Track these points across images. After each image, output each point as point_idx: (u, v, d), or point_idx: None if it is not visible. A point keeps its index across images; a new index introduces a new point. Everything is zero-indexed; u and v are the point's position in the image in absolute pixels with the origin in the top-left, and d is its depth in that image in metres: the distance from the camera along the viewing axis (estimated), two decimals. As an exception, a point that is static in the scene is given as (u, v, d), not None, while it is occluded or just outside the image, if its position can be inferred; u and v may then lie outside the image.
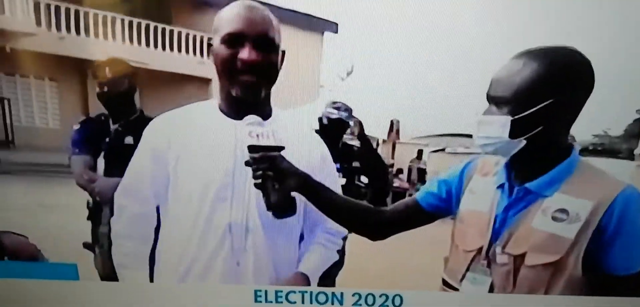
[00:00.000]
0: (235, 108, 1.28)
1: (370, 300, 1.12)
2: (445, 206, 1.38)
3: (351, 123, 2.63)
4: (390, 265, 4.17)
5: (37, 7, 9.31)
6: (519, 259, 1.19)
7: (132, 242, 1.41)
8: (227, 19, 1.26)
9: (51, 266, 1.15)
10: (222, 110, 1.34)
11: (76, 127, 2.29)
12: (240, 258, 1.29)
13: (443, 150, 9.78)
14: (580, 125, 1.17)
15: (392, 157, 8.90)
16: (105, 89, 2.14)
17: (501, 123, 1.14)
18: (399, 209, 1.41)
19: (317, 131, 2.48)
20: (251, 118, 1.20)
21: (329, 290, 1.14)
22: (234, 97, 1.25)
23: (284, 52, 1.35)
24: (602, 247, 1.09)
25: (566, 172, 1.17)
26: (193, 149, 1.29)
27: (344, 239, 2.61)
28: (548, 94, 1.09)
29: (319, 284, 1.30)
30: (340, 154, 2.56)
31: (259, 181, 1.16)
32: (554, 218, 1.13)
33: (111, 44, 10.48)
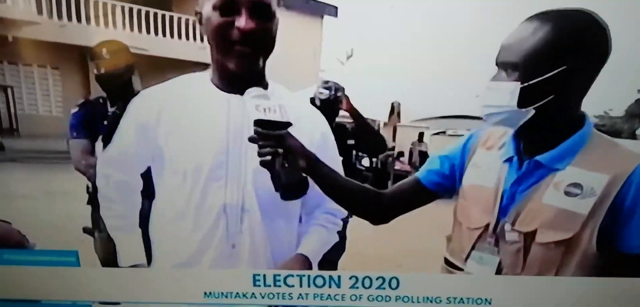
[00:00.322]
0: (229, 81, 1.19)
1: (367, 283, 1.11)
2: (448, 183, 1.28)
3: (340, 96, 2.54)
4: (392, 249, 4.16)
5: (38, -5, 9.34)
6: (529, 237, 1.10)
7: (120, 205, 1.37)
8: None
9: (51, 253, 1.14)
10: (214, 84, 1.23)
11: (74, 110, 2.22)
12: (236, 240, 1.23)
13: (444, 132, 9.81)
14: (581, 106, 1.12)
15: (394, 140, 8.90)
16: (103, 70, 2.09)
17: (510, 90, 1.05)
18: (400, 190, 1.32)
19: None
20: (256, 90, 1.10)
21: (326, 273, 1.13)
22: (228, 69, 1.15)
23: (278, 19, 1.21)
24: (617, 224, 1.02)
25: (579, 145, 1.06)
26: (184, 124, 1.20)
27: (345, 221, 2.60)
28: (561, 60, 1.00)
29: (321, 269, 1.28)
30: (334, 134, 2.50)
31: (268, 158, 1.08)
32: (566, 193, 1.04)
33: (112, 32, 10.49)
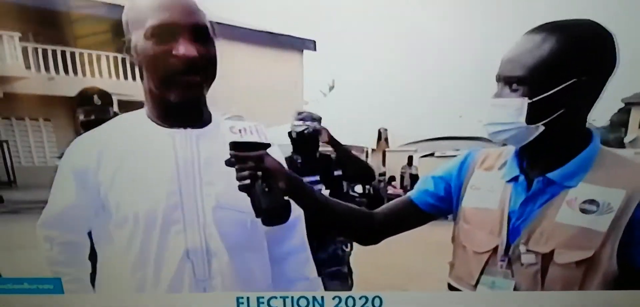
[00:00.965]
0: (170, 115, 1.09)
1: (350, 302, 1.10)
2: (444, 205, 1.22)
3: (318, 127, 2.44)
4: (382, 269, 4.10)
5: (25, 51, 9.42)
6: (546, 258, 1.00)
7: (70, 268, 1.23)
8: (150, 8, 1.02)
9: (35, 280, 1.09)
10: (153, 120, 1.11)
11: (58, 161, 2.15)
12: (207, 287, 1.12)
13: (432, 154, 9.82)
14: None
15: (384, 165, 8.92)
16: (92, 117, 2.03)
17: (516, 106, 0.99)
18: (392, 211, 1.27)
19: (293, 144, 2.44)
20: (230, 114, 1.01)
21: (309, 294, 1.12)
22: (170, 102, 1.05)
23: (216, 46, 1.10)
24: (635, 240, 0.93)
25: (589, 160, 1.00)
26: (128, 166, 1.08)
27: (347, 252, 2.54)
28: (571, 72, 0.93)
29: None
30: (319, 165, 2.43)
31: (246, 182, 0.99)
32: (582, 210, 0.96)
33: (98, 80, 10.50)
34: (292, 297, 1.11)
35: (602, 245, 0.92)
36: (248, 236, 1.14)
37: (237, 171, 0.99)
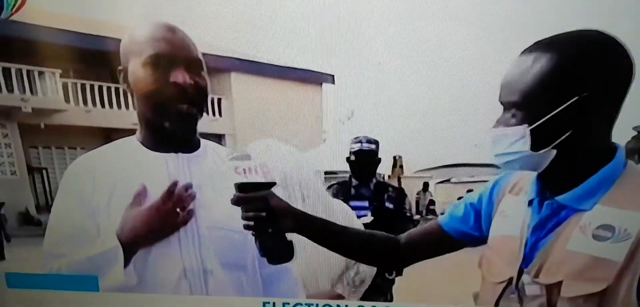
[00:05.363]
0: (165, 141, 1.10)
1: None
2: (475, 232, 1.13)
3: (374, 148, 2.36)
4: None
5: (65, 86, 9.73)
6: (554, 290, 0.90)
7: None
8: (149, 40, 1.02)
9: (72, 277, 1.12)
10: (145, 145, 1.12)
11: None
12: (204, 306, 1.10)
13: (448, 180, 9.71)
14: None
15: (399, 191, 8.89)
16: None
17: (519, 134, 0.88)
18: (420, 236, 1.20)
19: (350, 167, 2.39)
20: (234, 153, 1.02)
21: (334, 302, 1.15)
22: (164, 129, 1.06)
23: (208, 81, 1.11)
24: None
25: (609, 180, 0.88)
26: (124, 191, 1.07)
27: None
28: (570, 90, 0.83)
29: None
30: (374, 192, 2.39)
31: (251, 223, 1.00)
32: (595, 236, 0.85)
33: (132, 113, 10.78)
34: (317, 304, 1.16)
35: (617, 277, 0.82)
36: (240, 254, 1.16)
37: (243, 211, 1.00)
